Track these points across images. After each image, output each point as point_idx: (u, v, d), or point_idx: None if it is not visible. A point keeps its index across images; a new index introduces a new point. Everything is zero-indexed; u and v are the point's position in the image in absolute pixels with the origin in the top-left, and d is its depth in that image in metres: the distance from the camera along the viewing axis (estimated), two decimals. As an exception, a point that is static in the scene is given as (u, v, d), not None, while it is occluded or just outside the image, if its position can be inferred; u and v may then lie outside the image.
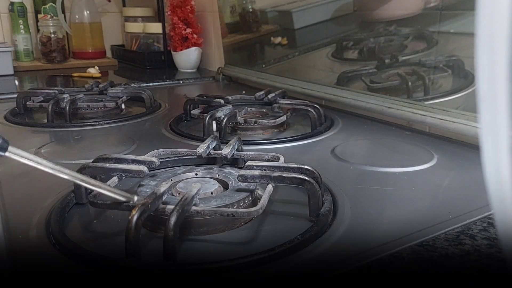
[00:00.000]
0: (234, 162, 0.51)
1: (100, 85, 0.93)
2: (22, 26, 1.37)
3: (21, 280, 0.32)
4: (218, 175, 0.46)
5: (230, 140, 0.51)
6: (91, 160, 0.45)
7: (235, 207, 0.39)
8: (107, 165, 0.43)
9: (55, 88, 0.87)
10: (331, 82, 0.85)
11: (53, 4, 1.42)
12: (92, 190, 0.40)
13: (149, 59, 1.37)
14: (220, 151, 0.49)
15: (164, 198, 0.38)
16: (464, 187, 0.47)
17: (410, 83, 0.70)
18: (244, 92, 0.94)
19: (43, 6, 1.42)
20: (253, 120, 0.69)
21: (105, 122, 0.76)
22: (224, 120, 0.65)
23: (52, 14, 1.42)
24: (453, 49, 0.64)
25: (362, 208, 0.42)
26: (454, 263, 0.32)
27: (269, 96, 0.78)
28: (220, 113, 0.67)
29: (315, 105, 0.71)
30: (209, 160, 0.52)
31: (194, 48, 1.27)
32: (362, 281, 0.30)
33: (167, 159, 0.52)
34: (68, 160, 0.56)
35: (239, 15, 1.11)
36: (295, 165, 0.43)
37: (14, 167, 0.53)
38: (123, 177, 0.44)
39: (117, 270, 0.32)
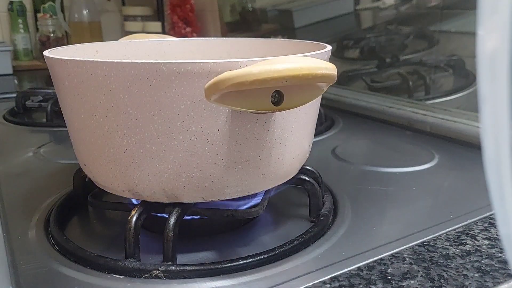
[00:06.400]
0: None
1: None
2: (21, 25, 1.37)
3: (21, 280, 0.31)
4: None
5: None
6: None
7: (235, 207, 0.39)
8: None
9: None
10: (331, 82, 0.85)
11: (53, 3, 1.42)
12: (92, 190, 0.40)
13: (149, 59, 1.37)
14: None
15: (164, 198, 0.37)
16: (465, 187, 0.47)
17: (411, 83, 0.70)
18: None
19: (42, 5, 1.42)
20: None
21: (105, 121, 0.75)
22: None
23: (51, 13, 1.41)
24: (454, 48, 0.64)
25: (362, 208, 0.42)
26: (455, 263, 0.32)
27: (269, 95, 0.78)
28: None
29: (316, 105, 0.71)
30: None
31: (194, 47, 1.26)
32: (362, 282, 0.30)
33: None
34: (68, 160, 0.56)
35: (239, 14, 1.11)
36: (296, 165, 0.43)
37: (14, 167, 0.53)
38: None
39: (116, 270, 0.32)
